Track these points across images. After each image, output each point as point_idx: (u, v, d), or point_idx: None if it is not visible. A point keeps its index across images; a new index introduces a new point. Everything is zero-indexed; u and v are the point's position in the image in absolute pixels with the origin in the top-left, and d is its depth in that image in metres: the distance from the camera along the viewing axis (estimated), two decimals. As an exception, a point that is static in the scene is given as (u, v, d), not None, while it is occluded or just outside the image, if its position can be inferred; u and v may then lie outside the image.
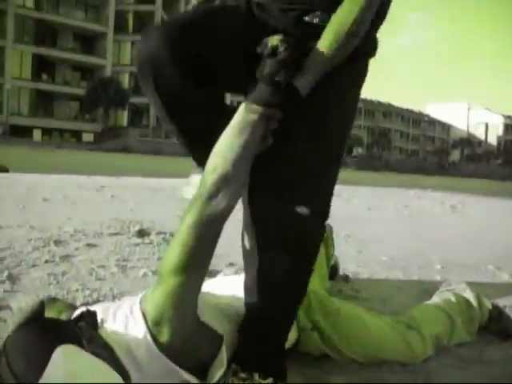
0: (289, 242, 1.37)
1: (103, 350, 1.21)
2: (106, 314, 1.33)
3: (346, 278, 2.84)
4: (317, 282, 2.14)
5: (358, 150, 69.11)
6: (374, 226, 5.24)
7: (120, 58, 53.69)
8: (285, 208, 1.36)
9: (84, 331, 1.22)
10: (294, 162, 1.36)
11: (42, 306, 1.25)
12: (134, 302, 1.32)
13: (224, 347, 1.35)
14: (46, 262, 2.70)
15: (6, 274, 2.41)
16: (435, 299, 2.09)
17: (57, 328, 1.23)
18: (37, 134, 47.20)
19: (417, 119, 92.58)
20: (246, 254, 1.44)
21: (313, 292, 1.72)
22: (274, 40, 1.25)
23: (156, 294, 1.26)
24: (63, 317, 1.45)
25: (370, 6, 1.27)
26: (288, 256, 1.38)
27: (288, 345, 1.55)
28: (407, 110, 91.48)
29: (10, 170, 10.67)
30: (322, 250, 2.47)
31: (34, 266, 2.62)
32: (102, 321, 1.30)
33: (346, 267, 3.05)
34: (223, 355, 1.35)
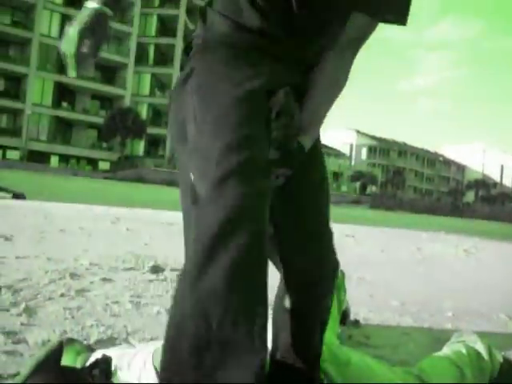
0: None
1: None
2: (121, 361, 1.37)
3: (356, 323, 2.86)
4: (329, 328, 2.17)
5: (372, 189, 69.06)
6: (386, 268, 5.24)
7: (139, 88, 54.63)
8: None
9: (97, 380, 1.26)
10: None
11: (60, 346, 1.30)
12: (148, 354, 1.36)
13: None
14: (62, 295, 2.75)
15: (23, 306, 2.46)
16: (445, 350, 2.10)
17: (71, 376, 1.28)
18: (54, 160, 47.88)
19: (432, 159, 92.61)
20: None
21: (325, 343, 1.75)
22: (277, 103, 1.26)
23: None
24: (80, 359, 1.49)
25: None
26: None
27: None
28: (422, 149, 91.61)
29: (27, 196, 10.82)
30: (333, 300, 2.51)
31: (50, 298, 2.67)
32: (117, 368, 1.34)
33: (357, 312, 3.06)
34: None
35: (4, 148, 40.33)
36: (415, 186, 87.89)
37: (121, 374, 1.33)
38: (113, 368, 1.35)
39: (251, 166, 1.07)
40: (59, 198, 11.03)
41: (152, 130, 50.62)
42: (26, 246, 4.04)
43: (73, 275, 3.22)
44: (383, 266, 5.39)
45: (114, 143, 51.70)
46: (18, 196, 9.84)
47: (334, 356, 1.73)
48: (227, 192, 1.02)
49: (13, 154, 41.27)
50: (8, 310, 2.43)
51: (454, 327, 2.85)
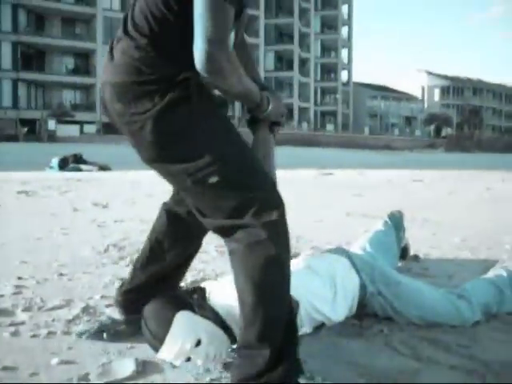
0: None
1: (211, 313, 1.70)
2: (212, 290, 1.82)
3: (416, 258, 3.18)
4: (385, 260, 2.53)
5: (447, 131, 66.84)
6: (453, 209, 5.45)
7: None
8: None
9: (196, 301, 1.72)
10: None
11: None
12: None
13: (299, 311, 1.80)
14: (158, 249, 3.25)
15: (128, 259, 2.98)
16: (489, 274, 2.41)
17: (177, 300, 1.74)
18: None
19: (510, 94, 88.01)
20: None
21: (377, 266, 2.12)
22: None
23: None
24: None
25: None
26: None
27: None
28: (499, 85, 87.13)
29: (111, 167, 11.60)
30: (392, 232, 2.85)
31: (149, 252, 3.17)
32: (210, 294, 1.80)
33: (419, 248, 3.36)
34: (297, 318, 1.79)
35: (81, 123, 42.16)
36: (493, 124, 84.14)
37: (213, 297, 1.79)
38: (207, 294, 1.81)
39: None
40: (140, 166, 11.73)
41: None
42: (120, 211, 4.60)
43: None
44: (450, 208, 5.60)
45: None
46: (103, 168, 10.62)
47: (386, 278, 2.10)
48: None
49: (90, 128, 43.09)
50: (117, 263, 2.95)
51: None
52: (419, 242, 3.46)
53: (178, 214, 1.89)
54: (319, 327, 1.99)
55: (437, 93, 79.77)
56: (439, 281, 2.73)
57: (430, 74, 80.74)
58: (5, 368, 1.64)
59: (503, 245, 3.65)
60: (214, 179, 1.48)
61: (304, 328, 1.89)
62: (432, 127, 69.75)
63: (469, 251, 3.47)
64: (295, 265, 2.18)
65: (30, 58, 43.09)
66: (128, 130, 1.56)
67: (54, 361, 1.70)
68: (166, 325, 1.64)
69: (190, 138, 1.50)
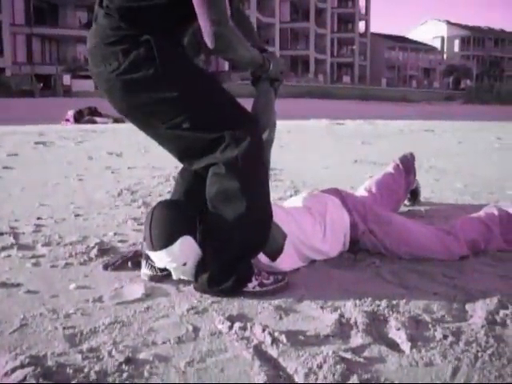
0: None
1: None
2: None
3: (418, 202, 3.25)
4: (388, 202, 2.65)
5: (467, 82, 65.52)
6: (460, 158, 5.52)
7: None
8: None
9: (200, 229, 1.85)
10: None
11: None
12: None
13: (287, 239, 1.95)
14: (169, 192, 3.40)
15: (140, 201, 3.15)
16: (481, 212, 2.51)
17: (187, 221, 1.82)
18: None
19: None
20: None
21: (370, 206, 2.26)
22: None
23: None
24: None
25: None
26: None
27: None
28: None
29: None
30: (401, 176, 2.92)
31: (160, 195, 3.34)
32: None
33: (421, 193, 3.46)
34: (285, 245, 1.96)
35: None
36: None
37: None
38: None
39: None
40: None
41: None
42: (133, 159, 4.77)
43: (175, 178, 3.88)
44: (457, 156, 5.67)
45: (198, 61, 52.19)
46: (117, 120, 10.74)
47: (378, 217, 2.23)
48: None
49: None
50: (130, 205, 3.13)
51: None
52: (422, 187, 3.55)
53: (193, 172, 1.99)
54: (315, 261, 2.15)
55: (456, 43, 77.81)
56: (435, 221, 2.84)
57: (449, 23, 78.61)
58: (28, 291, 1.82)
59: (505, 190, 3.73)
60: (185, 125, 1.70)
61: (294, 265, 2.05)
62: (451, 79, 68.42)
63: (470, 196, 3.56)
64: (291, 202, 2.33)
65: (43, 13, 42.70)
66: (102, 88, 1.78)
67: (72, 286, 1.88)
68: (168, 239, 1.77)
69: (158, 92, 1.70)
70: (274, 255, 1.94)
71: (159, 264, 1.85)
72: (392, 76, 67.55)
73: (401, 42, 72.11)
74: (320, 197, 2.30)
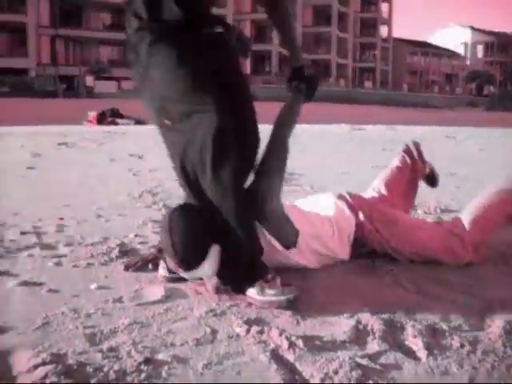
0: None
1: None
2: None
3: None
4: (398, 200, 2.64)
5: (490, 89, 64.82)
6: (481, 166, 5.47)
7: (240, 6, 54.39)
8: None
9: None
10: None
11: None
12: None
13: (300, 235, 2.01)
14: (189, 196, 3.44)
15: (161, 204, 3.19)
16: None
17: (207, 229, 1.86)
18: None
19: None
20: None
21: (376, 206, 2.28)
22: None
23: None
24: None
25: None
26: None
27: None
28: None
29: (147, 121, 11.84)
30: (408, 168, 2.88)
31: (180, 198, 3.36)
32: None
33: (440, 201, 3.46)
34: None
35: (118, 79, 42.52)
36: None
37: None
38: None
39: None
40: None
41: (257, 47, 50.66)
42: (155, 162, 4.81)
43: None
44: (479, 164, 5.62)
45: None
46: (139, 122, 10.87)
47: (383, 216, 2.25)
48: None
49: (127, 84, 43.44)
50: (151, 207, 3.17)
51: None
52: (442, 195, 3.54)
53: None
54: (333, 265, 2.16)
55: (480, 49, 77.06)
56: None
57: (473, 29, 77.87)
58: (50, 290, 1.87)
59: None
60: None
61: (308, 262, 2.09)
62: (474, 85, 67.74)
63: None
64: (301, 203, 2.37)
65: (68, 14, 43.26)
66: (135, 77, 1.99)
67: (93, 286, 1.91)
68: (196, 260, 1.81)
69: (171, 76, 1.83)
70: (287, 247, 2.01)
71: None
72: (414, 81, 67.13)
73: (423, 47, 71.66)
74: (328, 198, 2.36)
